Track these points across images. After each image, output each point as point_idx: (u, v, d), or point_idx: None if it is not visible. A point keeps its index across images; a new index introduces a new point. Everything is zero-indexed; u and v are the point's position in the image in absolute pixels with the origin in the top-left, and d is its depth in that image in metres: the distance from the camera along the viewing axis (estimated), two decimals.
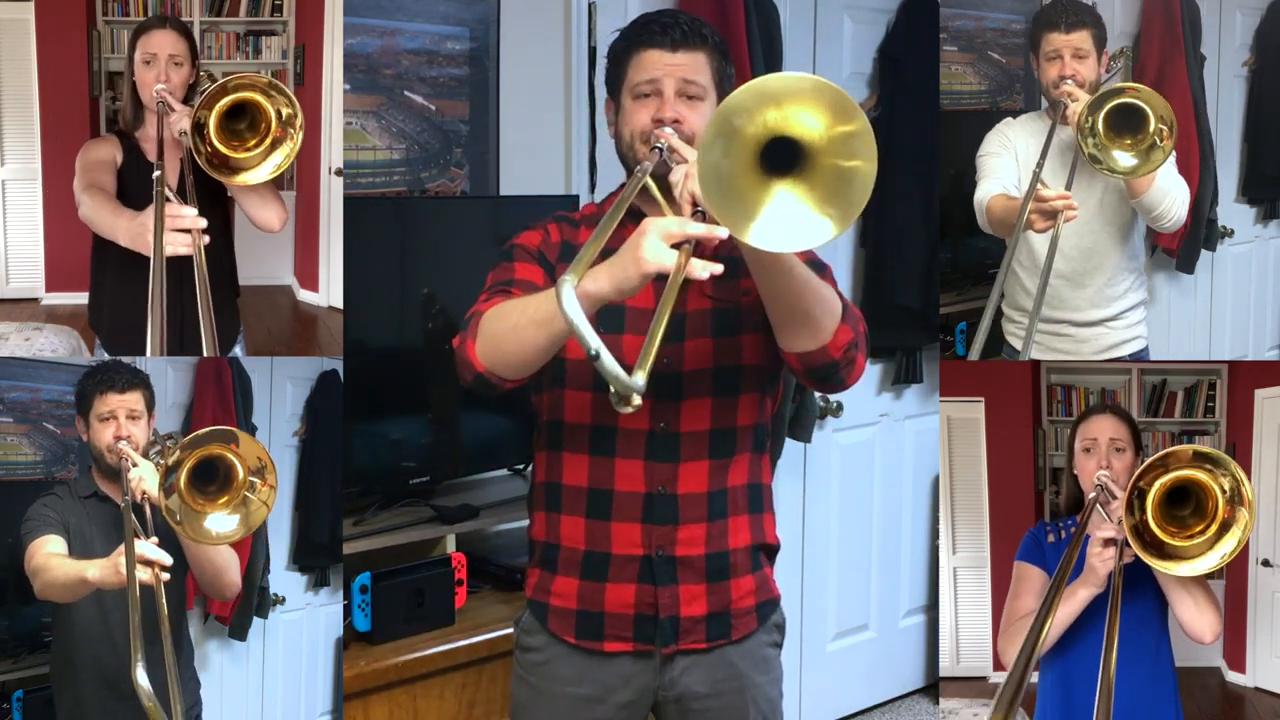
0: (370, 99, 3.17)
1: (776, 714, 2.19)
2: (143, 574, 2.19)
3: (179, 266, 2.47)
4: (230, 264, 2.84)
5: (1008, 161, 2.91)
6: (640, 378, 1.49)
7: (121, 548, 2.22)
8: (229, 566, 2.50)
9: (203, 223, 2.40)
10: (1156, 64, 3.76)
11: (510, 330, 1.85)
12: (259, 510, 2.24)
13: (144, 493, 2.32)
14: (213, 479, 2.23)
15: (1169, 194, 2.81)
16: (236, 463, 2.22)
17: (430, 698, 2.67)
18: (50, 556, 2.42)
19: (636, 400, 1.50)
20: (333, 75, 5.04)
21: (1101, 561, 2.31)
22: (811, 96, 1.53)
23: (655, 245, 1.65)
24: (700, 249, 1.68)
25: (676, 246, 1.65)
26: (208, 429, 2.25)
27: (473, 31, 3.28)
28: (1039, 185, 2.59)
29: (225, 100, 2.41)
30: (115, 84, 5.14)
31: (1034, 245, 2.90)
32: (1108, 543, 2.31)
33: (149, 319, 2.41)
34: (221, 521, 2.24)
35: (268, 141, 2.45)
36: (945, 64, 3.96)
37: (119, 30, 5.51)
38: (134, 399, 2.51)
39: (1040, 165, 2.68)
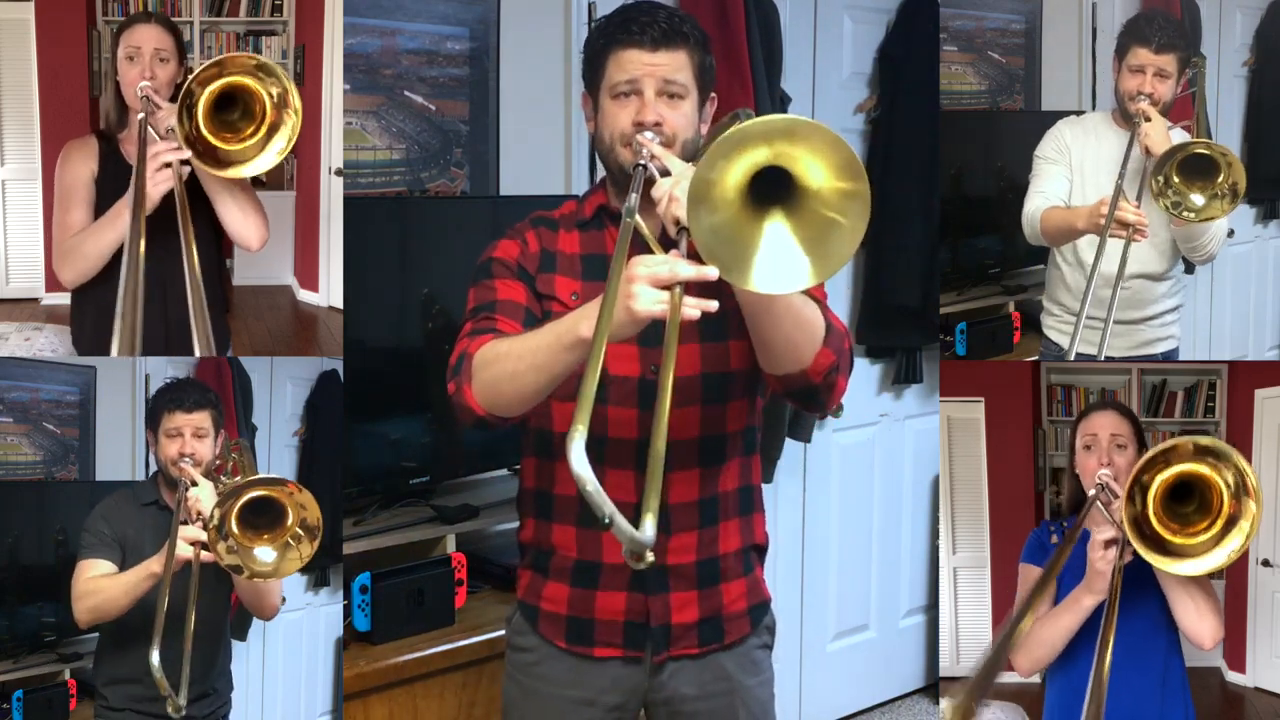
0: (370, 99, 3.17)
1: (768, 716, 2.18)
2: (186, 550, 2.34)
3: (166, 271, 2.46)
4: (221, 277, 2.77)
5: (1061, 170, 3.01)
6: (649, 526, 1.46)
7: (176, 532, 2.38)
8: (272, 591, 2.60)
9: (185, 153, 2.35)
10: None
11: (508, 377, 1.83)
12: (293, 561, 2.35)
13: (199, 513, 2.40)
14: (264, 513, 2.34)
15: (1209, 229, 2.90)
16: (289, 507, 2.32)
17: (430, 698, 2.67)
18: (92, 581, 2.50)
19: (650, 557, 1.49)
20: (333, 75, 5.04)
21: (1105, 564, 2.28)
22: (827, 146, 1.53)
23: (646, 295, 1.62)
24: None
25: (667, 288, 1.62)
26: (253, 478, 2.37)
27: (473, 31, 3.28)
28: (1121, 198, 2.73)
29: (209, 90, 2.31)
30: None
31: (1079, 245, 3.01)
32: (1108, 544, 2.29)
33: (119, 309, 2.36)
34: (265, 554, 2.35)
35: (264, 128, 2.36)
36: (945, 64, 3.96)
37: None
38: (201, 418, 2.56)
39: (1121, 177, 2.79)
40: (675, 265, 1.62)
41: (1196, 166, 2.70)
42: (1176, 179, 2.70)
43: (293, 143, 2.37)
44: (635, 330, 1.65)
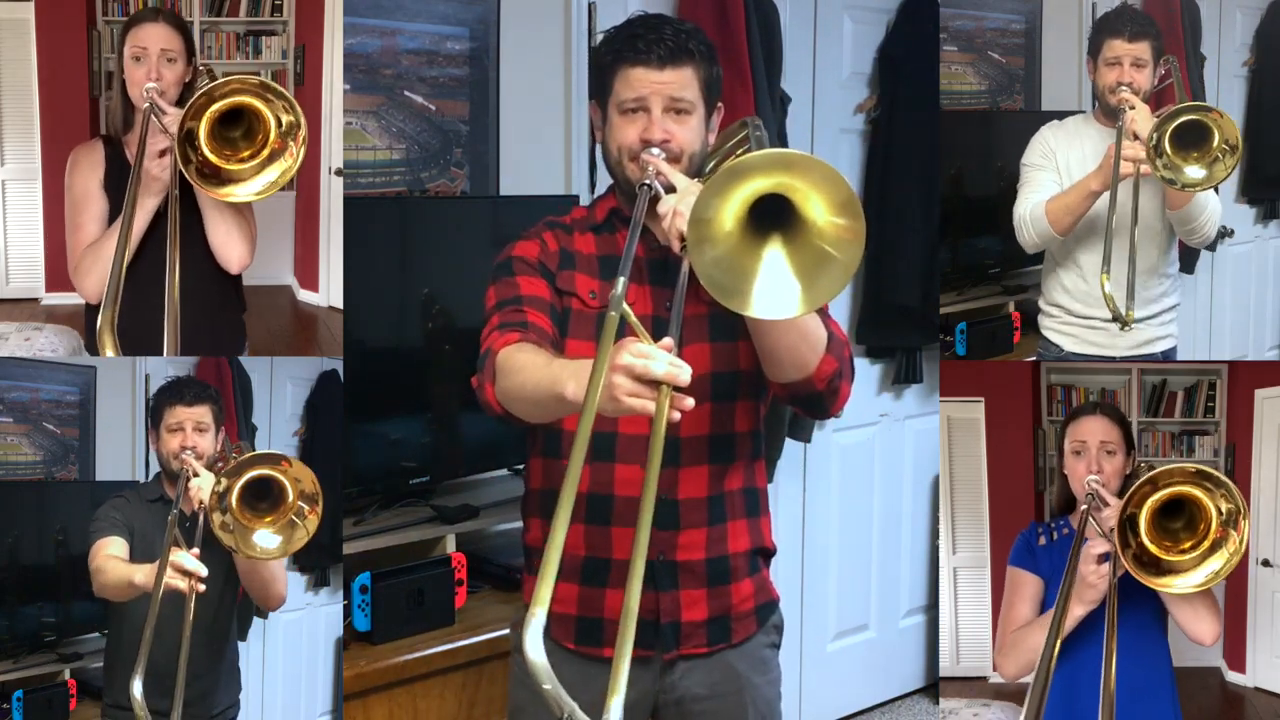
0: (370, 99, 3.17)
1: (775, 714, 2.18)
2: (180, 583, 2.29)
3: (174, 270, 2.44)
4: (233, 278, 2.68)
5: (1050, 175, 3.02)
6: (615, 715, 1.50)
7: (169, 556, 2.31)
8: (277, 579, 2.58)
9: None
10: None
11: (516, 392, 1.87)
12: (301, 535, 2.35)
13: (202, 502, 2.39)
14: (265, 497, 2.34)
15: (1205, 210, 2.91)
16: (288, 485, 2.32)
17: (430, 698, 2.67)
18: (108, 559, 2.50)
19: None
20: (333, 75, 5.04)
21: (1098, 578, 2.32)
22: (826, 182, 1.54)
23: (624, 387, 1.58)
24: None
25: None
26: (253, 454, 2.36)
27: (473, 31, 3.28)
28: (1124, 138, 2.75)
29: (215, 107, 2.27)
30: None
31: (1072, 248, 3.02)
32: (1101, 558, 2.32)
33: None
34: (266, 538, 2.35)
35: (264, 153, 2.32)
36: (945, 64, 3.97)
37: (119, 30, 5.50)
38: (201, 412, 2.56)
39: (1118, 145, 2.79)
40: (651, 363, 1.57)
41: (1188, 137, 2.69)
42: (1170, 152, 2.70)
43: (288, 177, 2.33)
44: (617, 414, 1.63)
